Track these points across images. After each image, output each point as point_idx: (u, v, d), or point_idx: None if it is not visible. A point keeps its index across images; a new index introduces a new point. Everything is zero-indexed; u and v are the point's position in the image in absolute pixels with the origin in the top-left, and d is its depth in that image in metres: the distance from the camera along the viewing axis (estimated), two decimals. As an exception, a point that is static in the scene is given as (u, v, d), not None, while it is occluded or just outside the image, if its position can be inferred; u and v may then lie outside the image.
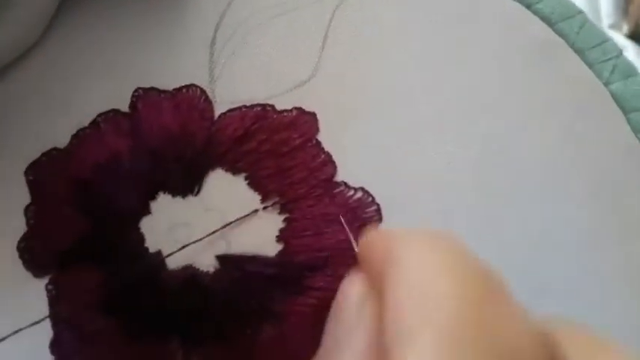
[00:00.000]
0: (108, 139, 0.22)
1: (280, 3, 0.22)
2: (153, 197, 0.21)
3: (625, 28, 0.36)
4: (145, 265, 0.21)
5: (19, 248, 0.21)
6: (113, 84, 0.22)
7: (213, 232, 0.20)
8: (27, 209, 0.21)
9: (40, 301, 0.20)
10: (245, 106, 0.22)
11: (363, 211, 0.21)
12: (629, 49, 0.36)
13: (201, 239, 0.20)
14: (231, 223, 0.21)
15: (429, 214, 0.21)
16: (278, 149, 0.21)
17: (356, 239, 0.20)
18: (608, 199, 0.21)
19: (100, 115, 0.22)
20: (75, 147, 0.22)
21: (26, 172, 0.22)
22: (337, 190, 0.21)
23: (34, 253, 0.21)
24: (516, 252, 0.20)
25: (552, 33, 0.22)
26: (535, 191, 0.21)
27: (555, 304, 0.20)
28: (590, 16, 0.37)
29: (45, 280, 0.21)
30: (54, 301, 0.21)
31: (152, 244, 0.21)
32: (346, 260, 0.20)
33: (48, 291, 0.21)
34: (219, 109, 0.22)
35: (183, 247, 0.20)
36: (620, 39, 0.36)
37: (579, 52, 0.21)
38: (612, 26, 0.37)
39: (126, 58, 0.22)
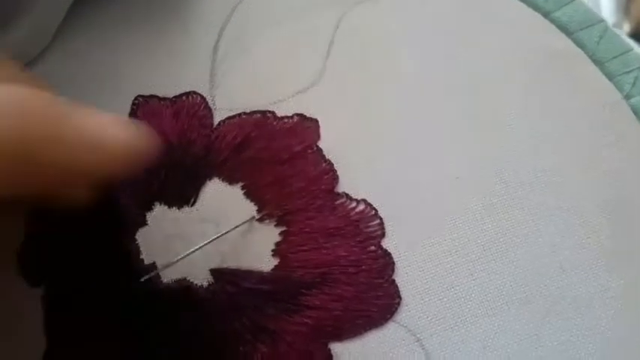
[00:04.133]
0: (105, 146, 0.21)
1: (285, 10, 0.22)
2: (149, 208, 0.21)
3: (626, 27, 0.35)
4: (140, 277, 0.20)
5: (16, 256, 0.20)
6: (113, 91, 0.22)
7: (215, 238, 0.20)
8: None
9: (35, 310, 0.20)
10: (245, 113, 0.21)
11: (365, 225, 0.20)
12: (630, 49, 0.35)
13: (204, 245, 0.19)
14: (237, 226, 0.20)
15: (434, 229, 0.20)
16: (277, 156, 0.20)
17: (356, 256, 0.19)
18: (628, 217, 0.20)
19: (98, 122, 0.21)
20: (72, 154, 0.21)
21: (22, 179, 0.21)
22: (338, 201, 0.20)
23: (31, 262, 0.20)
24: (525, 270, 0.19)
25: (571, 43, 0.21)
26: (547, 207, 0.20)
27: (566, 325, 0.19)
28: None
29: (41, 289, 0.20)
30: (49, 310, 0.20)
31: (147, 255, 0.20)
32: (345, 278, 0.19)
33: (44, 300, 0.20)
34: (218, 117, 0.21)
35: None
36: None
37: (599, 63, 0.20)
38: (614, 25, 0.36)
39: (127, 65, 0.22)
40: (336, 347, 0.19)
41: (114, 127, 0.15)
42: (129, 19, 0.23)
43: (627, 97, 0.20)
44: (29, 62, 0.22)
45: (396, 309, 0.19)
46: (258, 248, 0.20)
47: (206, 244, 0.20)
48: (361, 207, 0.20)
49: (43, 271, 0.20)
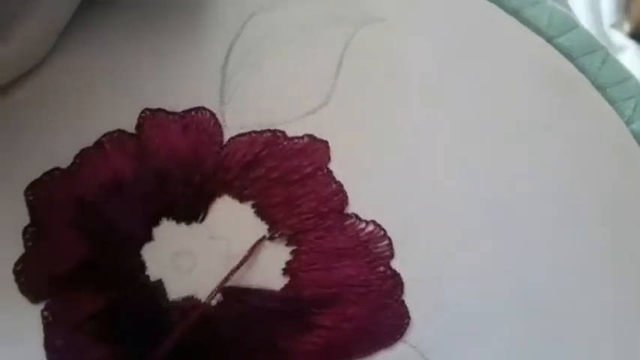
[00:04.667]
0: (112, 160, 0.21)
1: (295, 28, 0.22)
2: (156, 223, 0.21)
3: (626, 27, 0.36)
4: (146, 294, 0.20)
5: (14, 271, 0.20)
6: (120, 104, 0.22)
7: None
8: (25, 231, 0.21)
9: (35, 328, 0.20)
10: (255, 132, 0.21)
11: (375, 245, 0.20)
12: (630, 49, 0.36)
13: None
14: (252, 249, 0.20)
15: (442, 250, 0.20)
16: (287, 177, 0.21)
17: (366, 276, 0.20)
18: (628, 237, 0.21)
19: (104, 136, 0.21)
20: (78, 167, 0.21)
21: (26, 192, 0.21)
22: (348, 222, 0.20)
23: (31, 277, 0.20)
24: (534, 288, 0.20)
25: (573, 68, 0.21)
26: (551, 225, 0.20)
27: (574, 344, 0.19)
28: (591, 15, 0.37)
29: (41, 306, 0.20)
30: (49, 328, 0.20)
31: (153, 272, 0.20)
32: (355, 298, 0.19)
33: (44, 317, 0.20)
34: (228, 134, 0.21)
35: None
36: (621, 38, 0.36)
37: (600, 88, 0.21)
38: (614, 25, 0.36)
39: (134, 77, 0.22)
40: (346, 366, 0.19)
41: None
42: (136, 30, 0.22)
43: (628, 122, 0.21)
44: (29, 71, 0.22)
45: (406, 329, 0.19)
46: (268, 266, 0.20)
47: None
48: (370, 228, 0.20)
49: (43, 287, 0.20)
